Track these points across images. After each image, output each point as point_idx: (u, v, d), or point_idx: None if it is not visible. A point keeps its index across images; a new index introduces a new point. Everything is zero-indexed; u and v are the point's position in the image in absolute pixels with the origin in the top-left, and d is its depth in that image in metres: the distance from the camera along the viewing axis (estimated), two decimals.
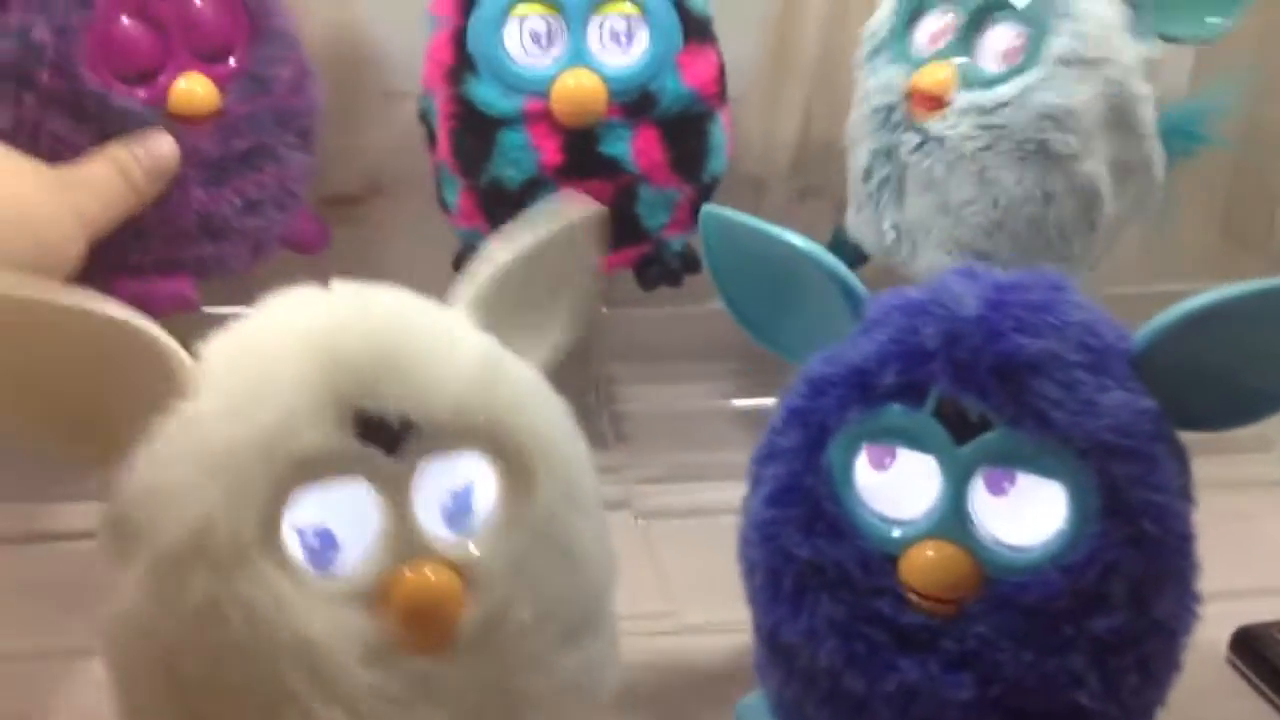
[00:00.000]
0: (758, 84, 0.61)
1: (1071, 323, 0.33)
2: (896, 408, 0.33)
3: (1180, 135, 0.54)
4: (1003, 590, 0.32)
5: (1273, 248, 0.67)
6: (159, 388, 0.30)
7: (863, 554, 0.33)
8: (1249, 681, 0.43)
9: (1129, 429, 0.32)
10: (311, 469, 0.29)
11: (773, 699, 0.37)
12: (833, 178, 0.60)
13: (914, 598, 0.33)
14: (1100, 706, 0.32)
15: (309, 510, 0.29)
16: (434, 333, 0.31)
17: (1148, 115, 0.48)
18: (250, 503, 0.28)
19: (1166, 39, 0.48)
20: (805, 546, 0.34)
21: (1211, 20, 0.48)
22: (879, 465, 0.34)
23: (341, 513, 0.30)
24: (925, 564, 0.33)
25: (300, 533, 0.30)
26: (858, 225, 0.53)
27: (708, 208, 0.39)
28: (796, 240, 0.37)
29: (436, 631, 0.29)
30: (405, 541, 0.30)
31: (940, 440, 0.33)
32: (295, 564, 0.29)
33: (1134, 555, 0.32)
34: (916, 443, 0.33)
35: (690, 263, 0.54)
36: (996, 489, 0.33)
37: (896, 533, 0.33)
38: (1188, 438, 0.40)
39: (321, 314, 0.30)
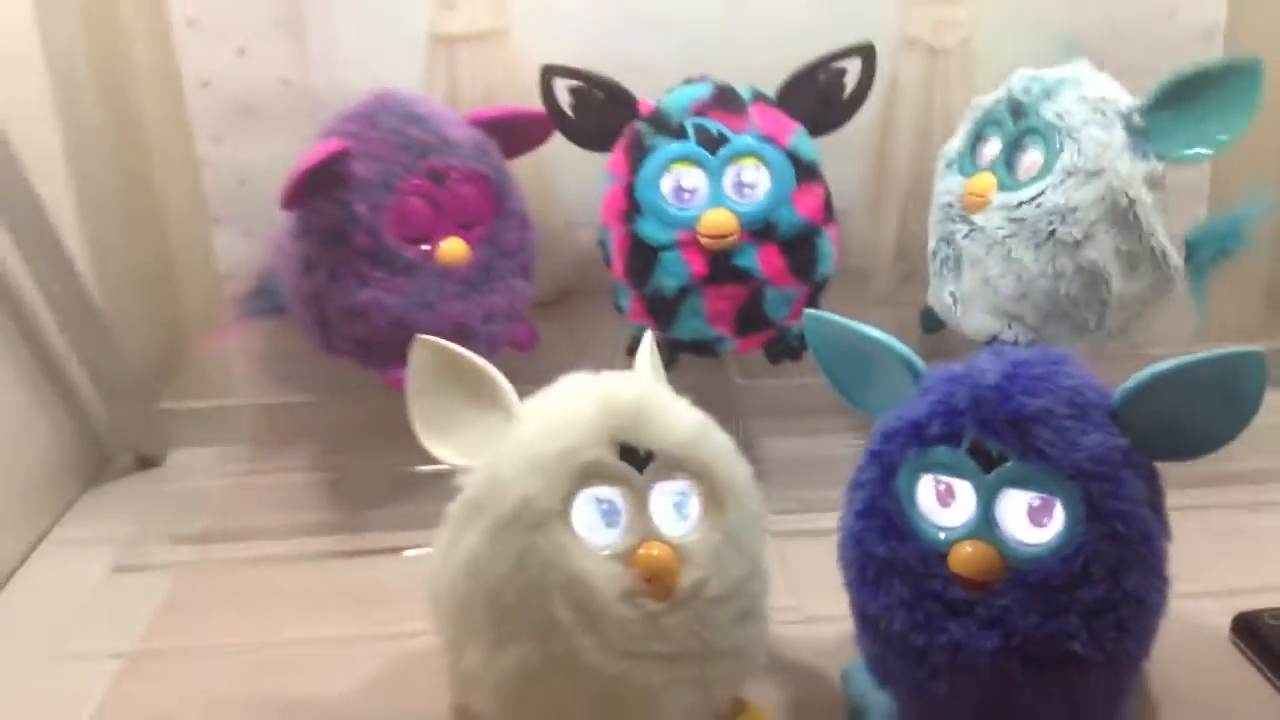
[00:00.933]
0: (863, 196, 0.76)
1: (1063, 387, 0.46)
2: (942, 449, 0.47)
3: (1212, 247, 0.67)
4: (1019, 574, 0.45)
5: None
6: (501, 419, 0.47)
7: (922, 552, 0.47)
8: (1247, 658, 0.54)
9: (1103, 459, 0.45)
10: (591, 474, 0.45)
11: (867, 659, 0.50)
12: (924, 267, 0.74)
13: (960, 580, 0.46)
14: (1089, 653, 0.44)
15: (589, 500, 0.45)
16: (664, 400, 0.47)
17: (1149, 216, 0.60)
18: (554, 491, 0.45)
19: (1162, 158, 0.61)
20: (882, 547, 0.47)
21: (1196, 150, 0.60)
22: (943, 500, 0.47)
23: (607, 504, 0.46)
24: (965, 558, 0.46)
25: (583, 515, 0.45)
26: (932, 295, 0.67)
27: (808, 311, 0.53)
28: (873, 332, 0.50)
29: (663, 585, 0.45)
30: (644, 528, 0.45)
31: (972, 471, 0.46)
32: (578, 533, 0.45)
33: (1109, 547, 0.44)
34: (956, 473, 0.47)
35: (807, 344, 0.69)
36: (1017, 506, 0.46)
37: (944, 535, 0.47)
38: (1228, 473, 0.53)
39: (599, 385, 0.47)
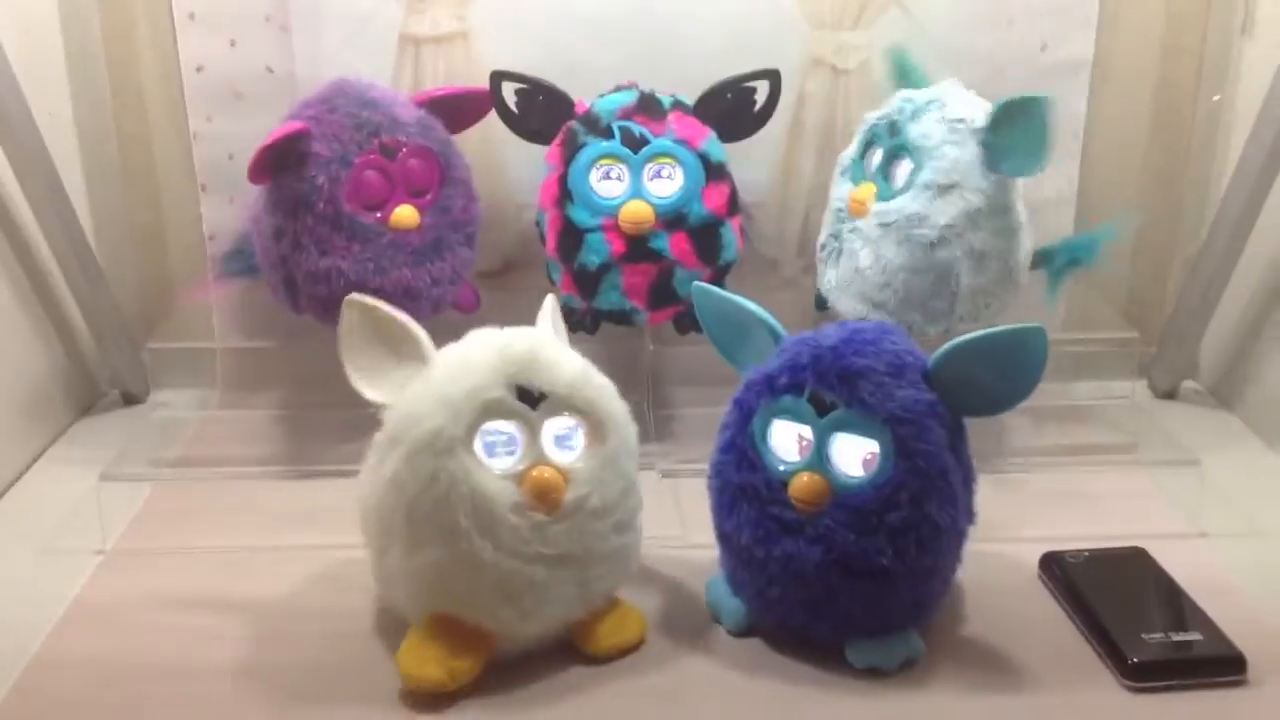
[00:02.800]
0: (772, 194, 0.85)
1: (885, 350, 0.56)
2: (787, 397, 0.57)
3: (1065, 257, 0.77)
4: (843, 500, 0.55)
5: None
6: (417, 363, 0.56)
7: (768, 480, 0.57)
8: (1049, 590, 0.64)
9: (911, 409, 0.55)
10: (491, 411, 0.54)
11: (724, 570, 0.61)
12: None
13: (795, 504, 0.56)
14: (893, 565, 0.55)
15: (489, 434, 0.54)
16: (557, 348, 0.57)
17: (996, 222, 0.70)
18: (459, 424, 0.54)
19: (1001, 173, 0.70)
20: (737, 476, 0.58)
21: (1024, 165, 0.69)
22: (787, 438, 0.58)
23: (505, 437, 0.55)
24: (802, 486, 0.56)
25: (484, 444, 0.54)
26: (819, 280, 0.77)
27: (696, 284, 0.62)
28: (746, 304, 0.60)
29: (549, 501, 0.54)
30: (536, 455, 0.55)
31: (810, 415, 0.56)
32: (480, 458, 0.54)
33: (912, 479, 0.54)
34: (798, 417, 0.56)
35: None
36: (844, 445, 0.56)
37: (785, 468, 0.57)
38: (1071, 445, 0.61)
39: (500, 337, 0.56)
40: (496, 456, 0.55)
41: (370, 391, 0.57)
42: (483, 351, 0.56)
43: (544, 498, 0.54)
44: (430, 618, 0.56)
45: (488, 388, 0.54)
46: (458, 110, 0.77)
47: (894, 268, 0.71)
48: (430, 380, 0.55)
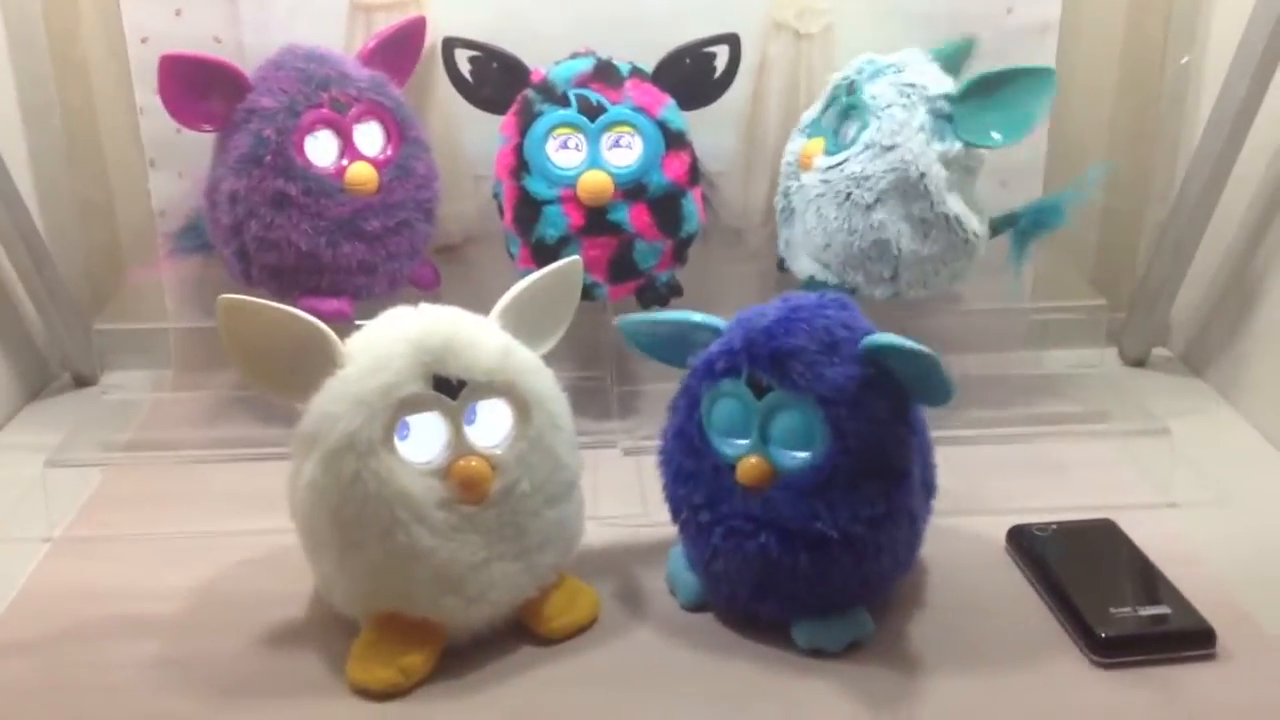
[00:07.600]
0: (736, 163, 0.83)
1: (817, 327, 0.54)
2: (727, 381, 0.55)
3: (1030, 220, 0.75)
4: (785, 480, 0.54)
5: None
6: (326, 361, 0.53)
7: (715, 464, 0.56)
8: (1016, 563, 0.63)
9: (842, 389, 0.53)
10: (409, 405, 0.52)
11: (683, 542, 0.59)
12: None
13: (742, 485, 0.55)
14: (836, 543, 0.53)
15: (409, 427, 0.52)
16: (475, 331, 0.54)
17: (940, 189, 0.68)
18: (376, 422, 0.51)
19: (965, 142, 0.69)
20: (685, 461, 0.57)
21: (995, 136, 0.68)
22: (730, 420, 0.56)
23: (426, 429, 0.53)
24: (746, 469, 0.54)
25: (404, 439, 0.52)
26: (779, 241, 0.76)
27: (620, 319, 0.60)
28: (673, 314, 0.59)
29: (477, 492, 0.53)
30: (460, 445, 0.53)
31: (749, 398, 0.55)
32: (401, 455, 0.52)
33: (848, 459, 0.53)
34: (739, 399, 0.55)
35: (674, 290, 0.77)
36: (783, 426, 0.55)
37: (732, 451, 0.55)
38: (1033, 414, 0.60)
39: (414, 321, 0.54)
40: (418, 449, 0.53)
41: (272, 392, 0.54)
42: (396, 342, 0.52)
43: (471, 490, 0.53)
44: (376, 618, 0.54)
45: (403, 383, 0.52)
46: (399, 46, 0.76)
47: (833, 228, 0.71)
48: (343, 378, 0.52)
